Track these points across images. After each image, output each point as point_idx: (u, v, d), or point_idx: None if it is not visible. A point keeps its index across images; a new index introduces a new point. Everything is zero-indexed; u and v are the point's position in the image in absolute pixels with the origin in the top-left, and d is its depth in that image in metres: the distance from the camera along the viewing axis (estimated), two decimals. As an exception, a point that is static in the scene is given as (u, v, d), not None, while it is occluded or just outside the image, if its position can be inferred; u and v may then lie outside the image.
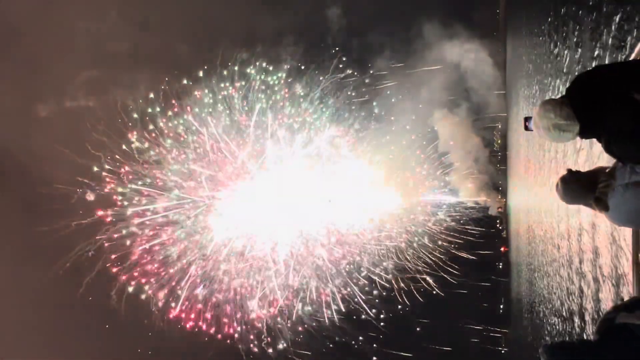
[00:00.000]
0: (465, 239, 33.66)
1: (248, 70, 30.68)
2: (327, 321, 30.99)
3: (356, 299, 31.48)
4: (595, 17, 7.07)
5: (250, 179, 31.20)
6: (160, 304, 29.77)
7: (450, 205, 35.21)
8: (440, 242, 33.42)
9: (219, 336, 30.78)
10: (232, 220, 31.00)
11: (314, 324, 31.03)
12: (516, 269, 26.30)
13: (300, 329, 31.14)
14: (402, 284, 31.65)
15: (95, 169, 28.99)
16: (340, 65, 32.06)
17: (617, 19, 5.90)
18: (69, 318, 31.32)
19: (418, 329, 32.67)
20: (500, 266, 36.20)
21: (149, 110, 30.00)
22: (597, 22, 6.92)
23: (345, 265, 32.18)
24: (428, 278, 31.98)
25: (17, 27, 30.06)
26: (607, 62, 6.28)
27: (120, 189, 29.59)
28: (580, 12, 8.28)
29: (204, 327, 30.65)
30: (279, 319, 30.97)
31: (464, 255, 33.13)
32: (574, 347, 2.67)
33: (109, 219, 29.07)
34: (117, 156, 29.36)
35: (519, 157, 23.47)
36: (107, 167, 29.22)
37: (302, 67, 31.21)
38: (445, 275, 32.11)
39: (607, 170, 2.98)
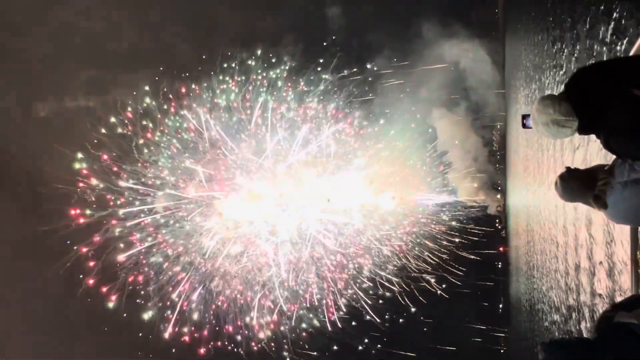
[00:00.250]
0: (465, 239, 33.74)
1: (249, 62, 30.50)
2: (330, 322, 31.00)
3: (359, 303, 31.47)
4: (593, 13, 7.05)
5: (250, 178, 31.17)
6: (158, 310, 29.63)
7: (449, 205, 35.23)
8: (440, 242, 33.47)
9: (219, 343, 30.77)
10: (232, 220, 30.98)
11: (318, 325, 31.04)
12: (515, 268, 26.32)
13: (304, 334, 31.12)
14: (404, 285, 31.69)
15: (83, 167, 28.64)
16: (341, 64, 32.00)
17: (616, 15, 5.88)
18: (67, 318, 31.28)
19: (425, 329, 32.73)
20: (500, 265, 36.24)
21: (145, 104, 29.82)
22: (595, 19, 6.90)
23: (345, 261, 32.19)
24: (429, 277, 32.03)
25: (17, 26, 30.00)
26: (606, 58, 6.26)
27: (119, 185, 29.40)
28: (578, 9, 8.26)
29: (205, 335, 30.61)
30: (283, 321, 30.90)
31: (464, 254, 33.20)
32: (572, 345, 2.65)
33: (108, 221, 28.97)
34: (114, 153, 29.23)
35: (518, 156, 23.48)
36: (106, 167, 29.16)
37: (298, 65, 31.14)
38: (445, 275, 32.19)
39: (605, 168, 2.97)
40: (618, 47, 5.78)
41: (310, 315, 31.22)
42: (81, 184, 28.43)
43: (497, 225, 37.02)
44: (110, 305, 28.46)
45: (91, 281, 28.05)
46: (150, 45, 31.40)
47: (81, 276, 28.23)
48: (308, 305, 31.25)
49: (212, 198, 30.60)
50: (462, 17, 34.06)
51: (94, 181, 28.69)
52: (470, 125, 35.84)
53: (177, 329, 29.92)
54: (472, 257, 33.38)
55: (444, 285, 32.01)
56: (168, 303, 30.04)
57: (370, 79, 32.91)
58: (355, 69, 32.44)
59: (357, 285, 31.94)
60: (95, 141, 28.68)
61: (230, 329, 30.69)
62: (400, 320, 32.14)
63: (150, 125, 30.10)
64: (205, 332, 30.50)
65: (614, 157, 2.87)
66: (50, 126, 29.59)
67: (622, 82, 2.62)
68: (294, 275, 31.14)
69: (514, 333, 28.50)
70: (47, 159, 28.08)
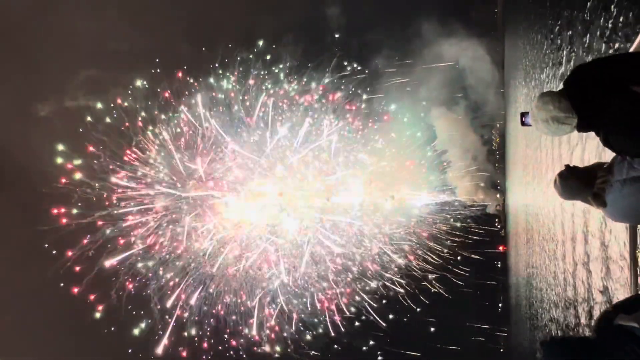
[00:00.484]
0: (465, 238, 33.72)
1: (250, 56, 30.42)
2: (332, 323, 30.95)
3: (363, 303, 31.42)
4: (592, 11, 7.04)
5: (250, 177, 31.10)
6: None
7: (448, 204, 35.21)
8: (440, 242, 33.45)
9: (219, 347, 30.73)
10: (232, 220, 30.92)
11: (321, 325, 30.98)
12: (515, 267, 26.32)
13: (307, 336, 31.05)
14: (405, 285, 31.67)
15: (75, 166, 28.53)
16: (345, 63, 31.93)
17: (615, 12, 5.86)
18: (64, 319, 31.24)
19: (432, 329, 32.79)
20: (499, 265, 36.26)
21: (144, 103, 29.76)
22: (594, 16, 6.89)
23: (346, 261, 32.16)
24: (431, 276, 32.01)
25: (17, 26, 29.95)
26: (605, 55, 6.24)
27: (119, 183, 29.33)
28: (577, 6, 8.25)
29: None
30: (286, 326, 30.84)
31: (465, 254, 33.20)
32: (573, 344, 2.64)
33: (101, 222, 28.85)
34: (113, 150, 29.14)
35: (518, 155, 23.47)
36: (104, 165, 29.07)
37: (299, 64, 31.09)
38: (447, 274, 32.18)
39: (604, 166, 2.96)
40: (617, 45, 5.77)
41: (314, 318, 31.15)
42: (76, 187, 28.41)
43: (496, 224, 37.03)
44: (110, 304, 28.53)
45: (76, 290, 28.01)
46: (149, 43, 31.32)
47: (74, 287, 28.21)
48: (309, 307, 31.20)
49: (211, 197, 30.54)
50: (462, 16, 34.15)
51: (90, 181, 28.69)
52: (469, 124, 35.89)
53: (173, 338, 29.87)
54: (473, 256, 33.42)
55: (444, 286, 32.04)
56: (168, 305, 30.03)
57: (367, 77, 32.89)
58: (355, 68, 32.43)
59: (360, 286, 31.90)
60: (94, 141, 28.70)
61: (232, 342, 30.63)
62: (404, 319, 32.12)
63: (149, 124, 30.06)
64: (205, 344, 30.49)
65: (613, 154, 2.86)
66: (48, 125, 29.56)
67: (621, 79, 2.60)
68: (294, 276, 31.10)
69: (513, 332, 28.51)
70: (42, 159, 28.00)
